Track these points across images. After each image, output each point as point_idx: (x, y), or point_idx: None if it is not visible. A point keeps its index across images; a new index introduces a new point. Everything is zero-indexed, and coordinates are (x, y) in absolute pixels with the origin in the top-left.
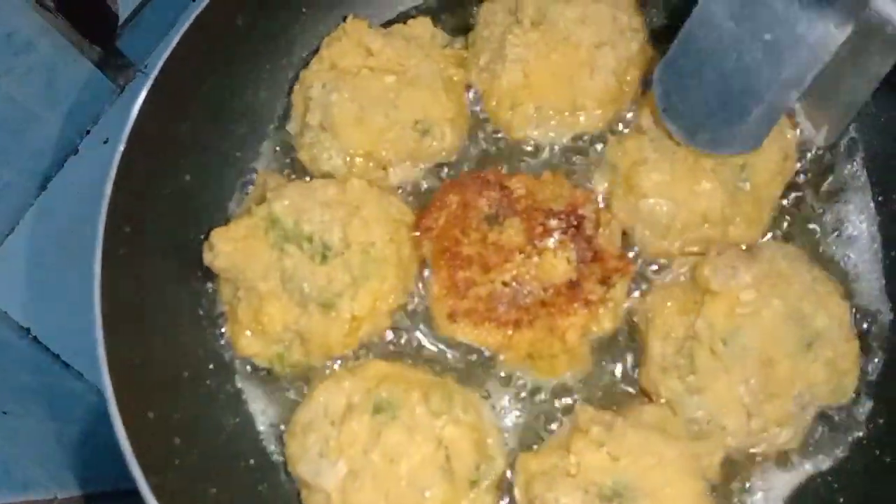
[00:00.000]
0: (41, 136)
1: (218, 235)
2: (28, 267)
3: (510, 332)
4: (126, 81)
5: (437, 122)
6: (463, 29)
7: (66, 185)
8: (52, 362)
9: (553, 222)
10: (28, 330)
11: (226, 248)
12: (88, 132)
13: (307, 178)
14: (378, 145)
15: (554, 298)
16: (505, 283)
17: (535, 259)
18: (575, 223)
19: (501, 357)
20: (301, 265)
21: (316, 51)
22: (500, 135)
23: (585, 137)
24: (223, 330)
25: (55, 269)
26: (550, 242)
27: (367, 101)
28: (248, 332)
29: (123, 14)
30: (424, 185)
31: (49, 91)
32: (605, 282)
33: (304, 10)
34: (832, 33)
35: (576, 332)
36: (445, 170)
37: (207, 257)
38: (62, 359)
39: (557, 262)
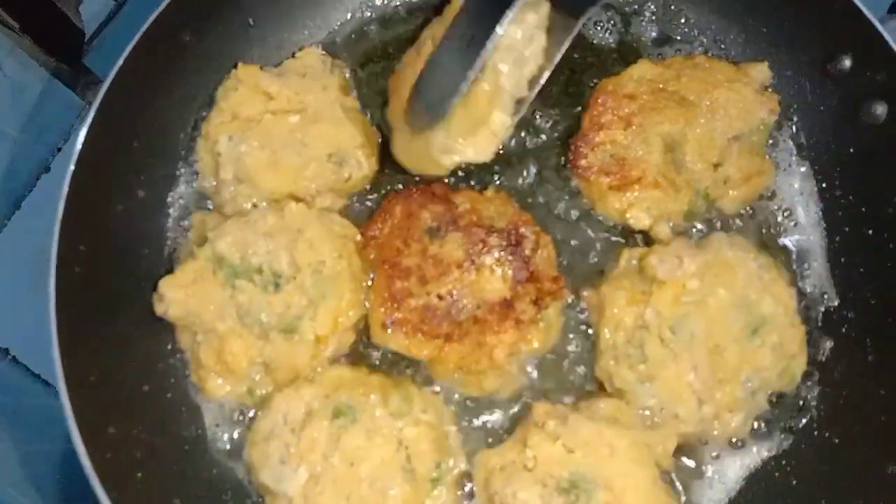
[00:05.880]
0: (12, 156)
1: (167, 285)
2: (4, 286)
3: (441, 344)
4: (95, 97)
5: (349, 151)
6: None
7: (40, 203)
8: (32, 382)
9: (493, 239)
10: (6, 350)
11: (177, 295)
12: (60, 149)
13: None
14: (298, 184)
15: (486, 315)
16: (440, 297)
17: (472, 275)
18: (514, 241)
19: (430, 369)
20: (255, 298)
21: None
22: None
23: None
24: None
25: (32, 288)
26: (488, 259)
27: (276, 145)
28: (214, 375)
29: (89, 30)
30: (357, 207)
31: (17, 110)
32: (538, 303)
33: (251, 21)
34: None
35: (503, 350)
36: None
37: (159, 308)
38: (42, 378)
39: (493, 279)
